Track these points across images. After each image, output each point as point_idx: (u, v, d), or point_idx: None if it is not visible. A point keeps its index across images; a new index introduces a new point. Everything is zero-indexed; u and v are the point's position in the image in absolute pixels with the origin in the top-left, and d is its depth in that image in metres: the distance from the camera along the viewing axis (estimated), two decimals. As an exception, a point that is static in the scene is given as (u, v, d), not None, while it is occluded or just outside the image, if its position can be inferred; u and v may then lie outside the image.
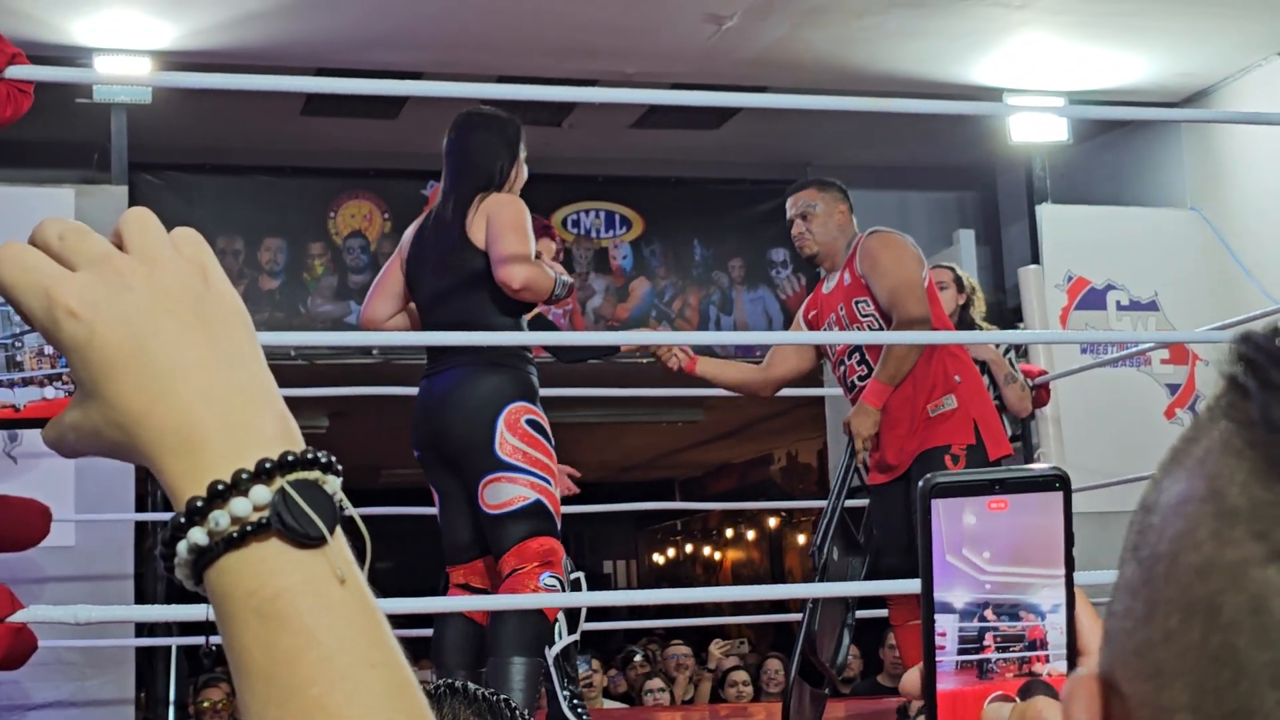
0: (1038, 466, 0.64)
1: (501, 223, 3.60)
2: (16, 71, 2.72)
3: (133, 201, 5.93)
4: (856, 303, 4.25)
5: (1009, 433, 5.26)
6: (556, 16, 6.31)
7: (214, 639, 0.61)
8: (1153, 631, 0.40)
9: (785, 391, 6.53)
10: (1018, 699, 0.64)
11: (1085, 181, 7.96)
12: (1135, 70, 7.14)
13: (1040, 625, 0.64)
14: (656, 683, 7.30)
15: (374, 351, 7.23)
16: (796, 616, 8.61)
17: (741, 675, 7.30)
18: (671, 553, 16.67)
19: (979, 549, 0.63)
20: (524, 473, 3.57)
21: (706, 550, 16.07)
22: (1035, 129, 7.46)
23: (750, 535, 15.35)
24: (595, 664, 7.11)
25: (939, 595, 0.63)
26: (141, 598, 6.29)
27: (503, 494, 3.56)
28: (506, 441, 3.57)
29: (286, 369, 6.92)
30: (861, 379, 4.23)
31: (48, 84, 2.98)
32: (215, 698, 6.61)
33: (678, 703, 7.23)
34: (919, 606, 0.65)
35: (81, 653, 5.70)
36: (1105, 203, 7.73)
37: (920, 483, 0.63)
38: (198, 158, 7.60)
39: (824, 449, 9.45)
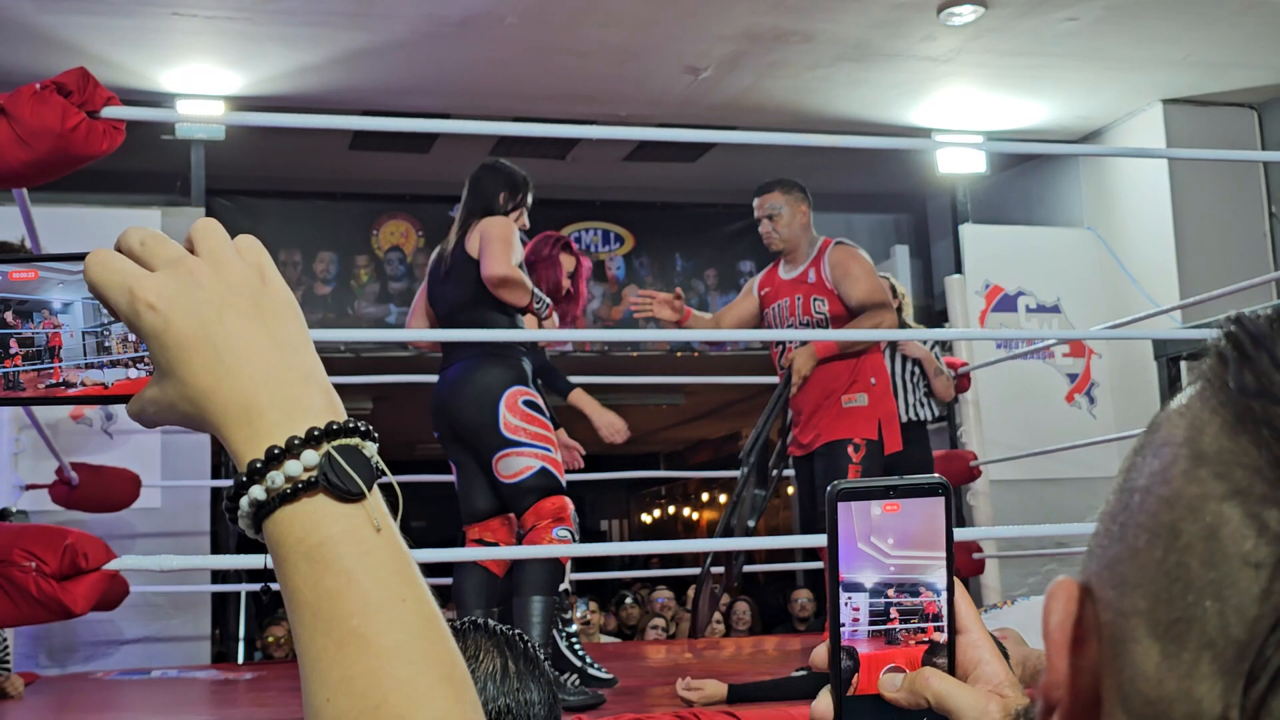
0: (925, 477, 0.65)
1: (489, 236, 3.62)
2: (111, 112, 2.71)
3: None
4: (814, 299, 4.10)
5: (935, 414, 5.23)
6: (562, 69, 6.31)
7: (273, 586, 0.61)
8: (1123, 549, 0.41)
9: (749, 380, 6.49)
10: (922, 663, 0.64)
11: (1000, 205, 7.96)
12: (1041, 113, 7.15)
13: (935, 601, 0.65)
14: (661, 621, 7.29)
15: (409, 347, 7.21)
16: (759, 568, 8.58)
17: (714, 615, 7.28)
18: (657, 513, 16.67)
19: (884, 537, 0.64)
20: (528, 445, 3.58)
21: (686, 511, 16.07)
22: (958, 162, 7.47)
23: (722, 499, 15.32)
24: (593, 605, 7.10)
25: (853, 576, 0.63)
26: (216, 550, 6.28)
27: (514, 466, 3.57)
28: (509, 421, 3.58)
29: (336, 360, 6.90)
30: None
31: (138, 123, 2.96)
32: (279, 634, 6.59)
33: (661, 637, 7.23)
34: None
35: (166, 596, 5.70)
36: (1016, 223, 7.74)
37: (828, 488, 0.63)
38: (263, 185, 7.57)
39: (784, 427, 9.43)
